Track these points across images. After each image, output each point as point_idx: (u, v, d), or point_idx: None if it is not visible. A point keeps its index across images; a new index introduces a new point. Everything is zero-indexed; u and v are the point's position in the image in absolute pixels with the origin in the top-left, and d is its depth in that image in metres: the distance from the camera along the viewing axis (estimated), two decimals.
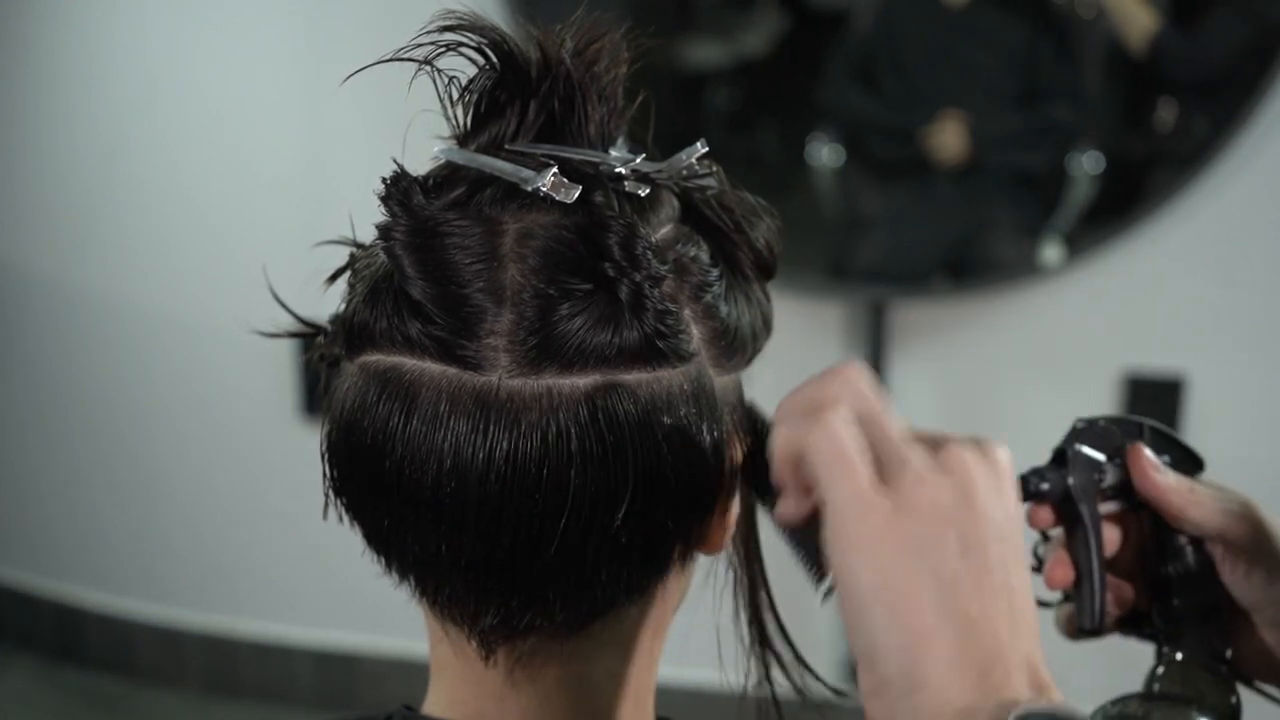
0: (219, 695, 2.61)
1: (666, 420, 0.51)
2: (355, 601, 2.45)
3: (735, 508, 0.57)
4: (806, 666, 0.63)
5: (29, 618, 2.74)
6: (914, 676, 0.45)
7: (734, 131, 2.58)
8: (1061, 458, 0.64)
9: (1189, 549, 0.65)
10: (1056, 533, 0.66)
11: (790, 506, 0.51)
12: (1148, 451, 0.64)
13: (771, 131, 2.58)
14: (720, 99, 2.59)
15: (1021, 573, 0.48)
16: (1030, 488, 0.63)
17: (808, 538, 0.53)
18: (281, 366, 2.43)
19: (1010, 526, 0.48)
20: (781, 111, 2.52)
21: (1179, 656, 0.64)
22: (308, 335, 0.62)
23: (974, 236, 2.29)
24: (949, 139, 2.23)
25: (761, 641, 0.62)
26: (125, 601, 2.65)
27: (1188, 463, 0.66)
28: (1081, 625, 0.64)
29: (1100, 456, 0.64)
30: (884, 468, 0.47)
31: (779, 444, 0.50)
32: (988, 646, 0.45)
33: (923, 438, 0.49)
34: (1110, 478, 0.64)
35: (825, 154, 2.36)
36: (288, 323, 0.64)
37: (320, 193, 2.35)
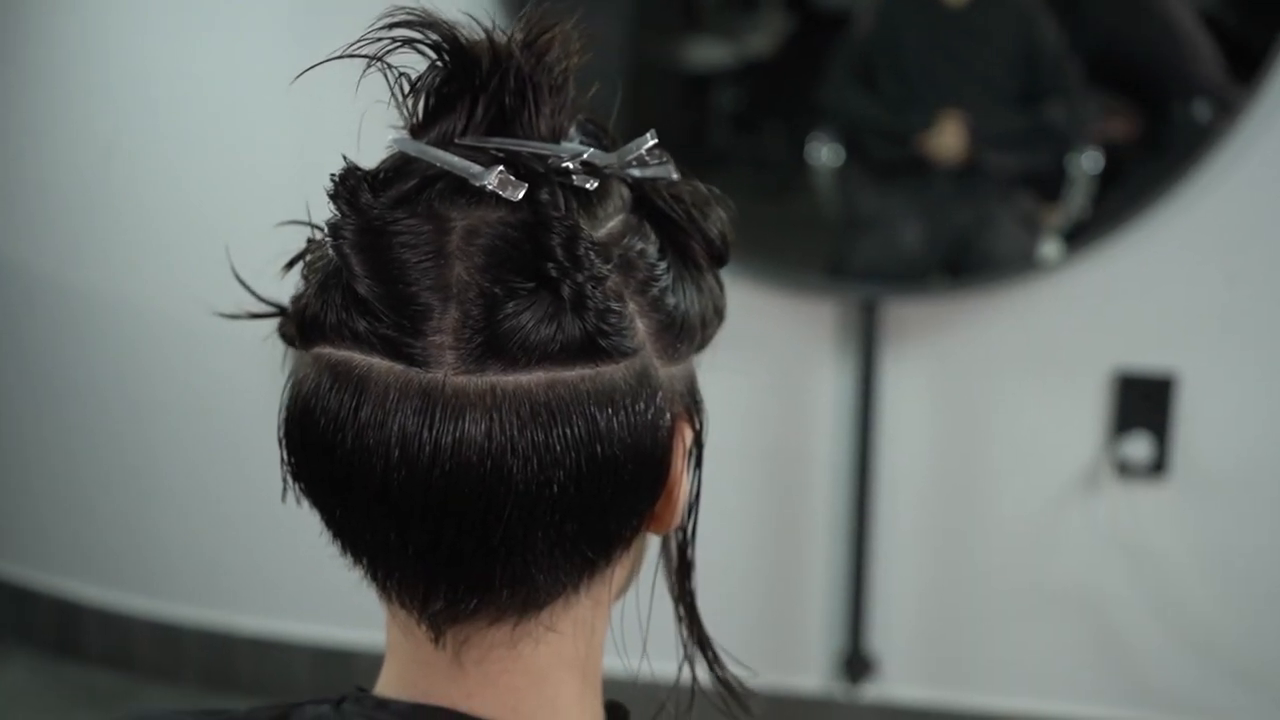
0: (217, 691, 2.61)
1: (609, 414, 0.52)
2: (353, 598, 2.45)
3: (685, 488, 0.58)
4: (713, 653, 0.63)
5: (27, 613, 2.75)
6: None
7: (739, 132, 2.58)
8: None
9: None
10: None
11: None
12: None
13: (777, 132, 2.58)
14: (726, 99, 2.60)
15: None
16: None
17: None
18: (278, 363, 2.43)
19: None
20: (787, 112, 2.52)
21: None
22: (268, 316, 0.63)
23: (972, 235, 2.29)
24: (949, 139, 2.23)
25: (691, 627, 0.63)
26: (123, 597, 2.66)
27: None
28: None
29: None
30: None
31: None
32: None
33: None
34: None
35: (825, 154, 2.36)
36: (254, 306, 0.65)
37: (320, 192, 2.36)
